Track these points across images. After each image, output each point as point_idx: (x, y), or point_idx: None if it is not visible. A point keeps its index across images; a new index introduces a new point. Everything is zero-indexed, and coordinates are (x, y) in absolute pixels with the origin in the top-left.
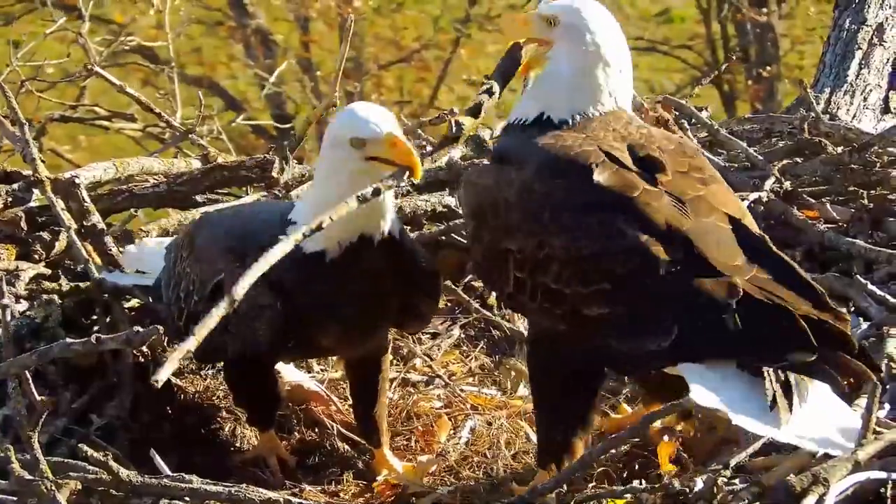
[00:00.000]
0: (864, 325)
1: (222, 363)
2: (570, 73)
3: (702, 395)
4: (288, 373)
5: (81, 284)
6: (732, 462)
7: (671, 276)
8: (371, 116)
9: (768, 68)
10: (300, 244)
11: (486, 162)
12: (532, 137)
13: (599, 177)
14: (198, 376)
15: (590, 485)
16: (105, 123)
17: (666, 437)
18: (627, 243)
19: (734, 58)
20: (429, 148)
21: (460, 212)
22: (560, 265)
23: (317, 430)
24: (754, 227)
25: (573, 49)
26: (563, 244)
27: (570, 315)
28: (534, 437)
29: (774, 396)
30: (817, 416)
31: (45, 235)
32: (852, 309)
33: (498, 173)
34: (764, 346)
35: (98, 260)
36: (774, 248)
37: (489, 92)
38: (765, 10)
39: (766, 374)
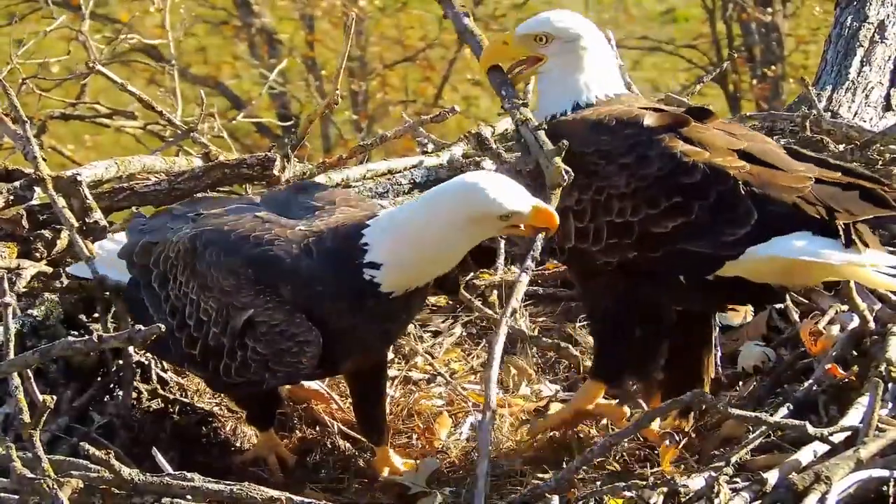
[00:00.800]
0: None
1: None
2: (581, 69)
3: (783, 248)
4: None
5: (83, 282)
6: (733, 459)
7: (741, 174)
8: (516, 189)
9: (773, 68)
10: (367, 273)
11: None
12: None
13: (649, 120)
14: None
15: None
16: (106, 121)
17: (667, 442)
18: (692, 159)
19: (736, 55)
20: (430, 146)
21: None
22: (621, 200)
23: (317, 428)
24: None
25: (571, 58)
26: (626, 180)
27: (638, 240)
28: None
29: (848, 234)
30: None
31: (47, 234)
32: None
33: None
34: (838, 213)
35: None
36: (831, 160)
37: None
38: (769, 9)
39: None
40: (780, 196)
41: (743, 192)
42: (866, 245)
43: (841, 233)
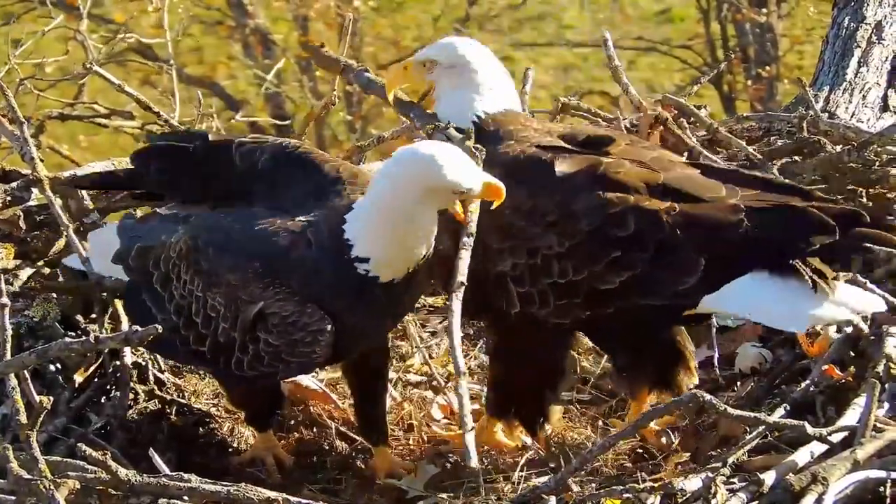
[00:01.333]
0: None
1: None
2: (464, 89)
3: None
4: None
5: (80, 283)
6: (730, 460)
7: (673, 218)
8: (469, 165)
9: (767, 68)
10: (361, 268)
11: None
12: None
13: (561, 167)
14: (196, 376)
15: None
16: (104, 121)
17: (664, 440)
18: (620, 207)
19: (733, 56)
20: None
21: None
22: (560, 259)
23: (315, 429)
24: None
25: (452, 80)
26: (557, 239)
27: (587, 299)
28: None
29: (813, 279)
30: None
31: (44, 234)
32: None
33: None
34: (786, 244)
35: None
36: (745, 171)
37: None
38: (764, 10)
39: (797, 266)
40: (722, 236)
41: (681, 238)
42: (824, 278)
43: (807, 279)
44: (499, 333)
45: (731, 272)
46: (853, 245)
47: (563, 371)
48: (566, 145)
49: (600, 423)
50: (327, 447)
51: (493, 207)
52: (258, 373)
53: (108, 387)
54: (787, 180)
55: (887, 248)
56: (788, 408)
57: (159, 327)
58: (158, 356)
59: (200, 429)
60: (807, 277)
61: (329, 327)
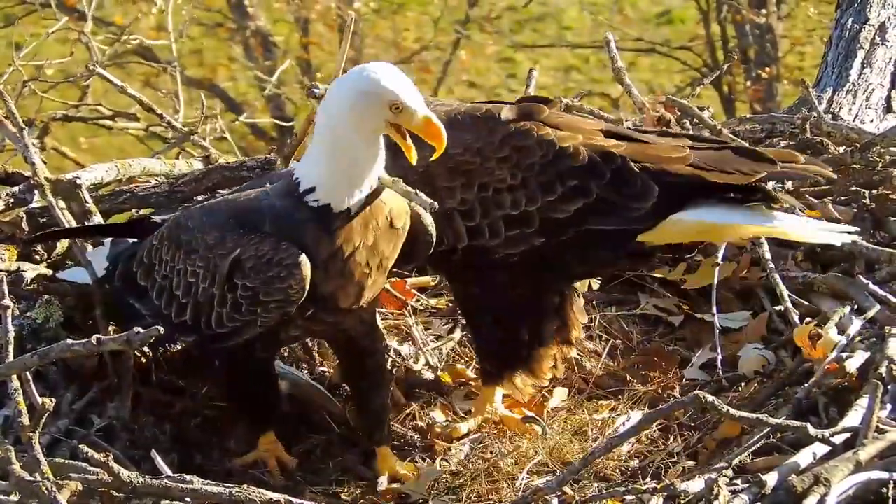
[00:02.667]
0: (866, 325)
1: (218, 362)
2: None
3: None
4: (280, 368)
5: (82, 286)
6: (735, 461)
7: (624, 151)
8: (410, 86)
9: (767, 69)
10: (311, 200)
11: None
12: None
13: (506, 113)
14: (198, 376)
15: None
16: (108, 123)
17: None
18: (571, 143)
19: (735, 58)
20: None
21: None
22: (512, 192)
23: (316, 431)
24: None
25: None
26: (509, 172)
27: (541, 227)
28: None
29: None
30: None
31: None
32: (854, 308)
33: (394, 159)
34: (731, 174)
35: None
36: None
37: None
38: (764, 11)
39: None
40: (674, 167)
41: (635, 167)
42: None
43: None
44: (456, 283)
45: (683, 200)
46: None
47: (536, 307)
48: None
49: (601, 423)
50: (329, 449)
51: (433, 157)
52: (239, 323)
53: (111, 388)
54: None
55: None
56: (792, 409)
57: (161, 328)
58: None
59: (203, 430)
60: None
61: (303, 259)
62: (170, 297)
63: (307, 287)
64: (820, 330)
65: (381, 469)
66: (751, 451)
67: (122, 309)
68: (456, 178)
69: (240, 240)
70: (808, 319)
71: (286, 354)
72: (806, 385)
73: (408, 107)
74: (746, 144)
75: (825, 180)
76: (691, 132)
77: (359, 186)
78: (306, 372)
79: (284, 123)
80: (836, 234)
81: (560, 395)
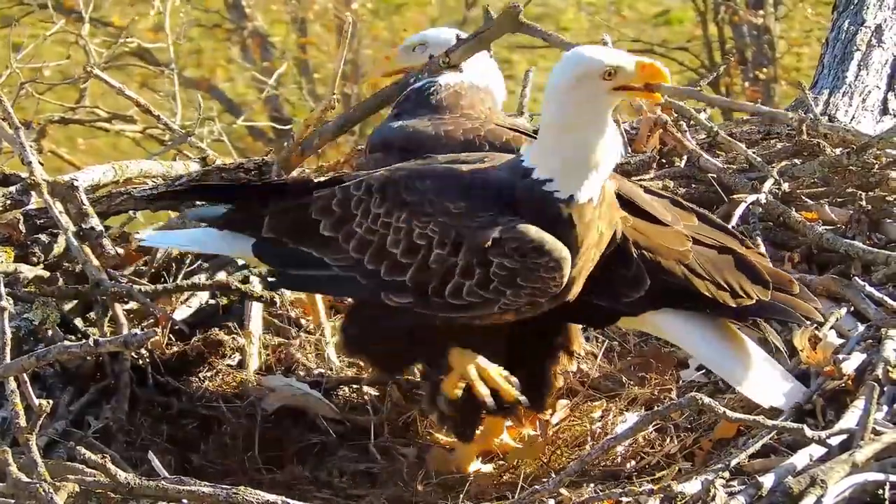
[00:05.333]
0: (862, 327)
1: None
2: None
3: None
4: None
5: (80, 287)
6: (733, 463)
7: (628, 229)
8: (613, 49)
9: (765, 70)
10: (553, 190)
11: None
12: (408, 121)
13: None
14: (195, 378)
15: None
16: (106, 125)
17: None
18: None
19: (731, 59)
20: None
21: None
22: None
23: (312, 430)
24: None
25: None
26: None
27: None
28: None
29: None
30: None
31: (44, 238)
32: (851, 309)
33: (403, 158)
34: (726, 290)
35: (96, 262)
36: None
37: None
38: (762, 12)
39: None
40: (670, 265)
41: (634, 252)
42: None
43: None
44: None
45: (668, 300)
46: (774, 309)
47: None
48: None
49: (598, 424)
50: (325, 449)
51: (656, 92)
52: (479, 299)
53: (108, 390)
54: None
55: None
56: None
57: (157, 331)
58: (158, 359)
59: (201, 431)
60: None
61: (568, 255)
62: (378, 253)
63: (566, 283)
64: (818, 333)
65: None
66: (747, 452)
67: (270, 258)
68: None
69: (498, 217)
70: (808, 321)
71: (282, 357)
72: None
73: (619, 66)
74: (760, 245)
75: (821, 181)
76: (700, 211)
77: (599, 176)
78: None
79: (282, 127)
80: (781, 398)
81: (561, 408)
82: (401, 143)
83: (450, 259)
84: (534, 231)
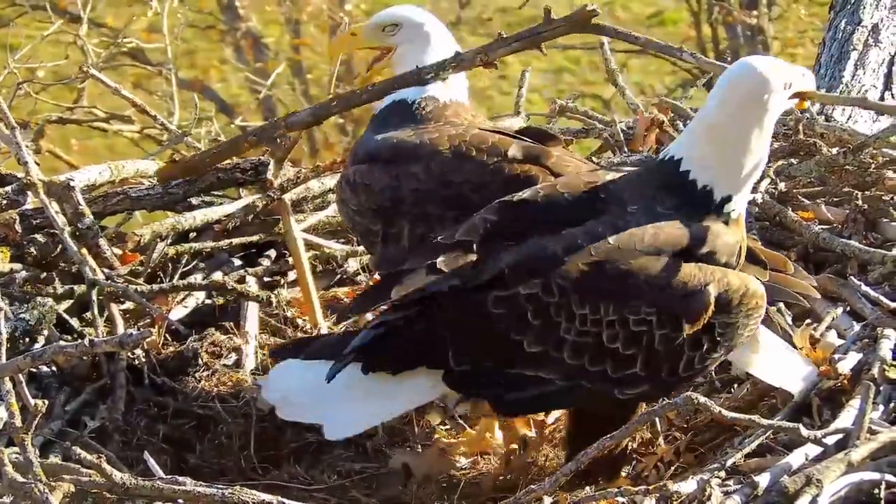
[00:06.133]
0: (858, 327)
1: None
2: (429, 52)
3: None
4: None
5: (76, 287)
6: (729, 462)
7: None
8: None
9: None
10: (729, 210)
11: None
12: (392, 132)
13: (515, 152)
14: (191, 378)
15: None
16: (103, 125)
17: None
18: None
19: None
20: None
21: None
22: None
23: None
24: None
25: (420, 42)
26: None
27: None
28: None
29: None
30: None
31: (40, 238)
32: (847, 309)
33: (388, 171)
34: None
35: (92, 262)
36: None
37: None
38: (755, 12)
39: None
40: None
41: None
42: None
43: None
44: None
45: None
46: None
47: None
48: (503, 131)
49: None
50: (321, 448)
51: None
52: (706, 365)
53: (104, 390)
54: None
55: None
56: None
57: (153, 330)
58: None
59: (197, 431)
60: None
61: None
62: (599, 353)
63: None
64: (815, 333)
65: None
66: (745, 453)
67: (474, 390)
68: (450, 209)
69: (700, 276)
70: (807, 321)
71: None
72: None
73: (794, 78)
74: (753, 237)
75: (818, 181)
76: None
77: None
78: None
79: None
80: (797, 382)
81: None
82: (386, 155)
83: (674, 335)
84: (731, 275)
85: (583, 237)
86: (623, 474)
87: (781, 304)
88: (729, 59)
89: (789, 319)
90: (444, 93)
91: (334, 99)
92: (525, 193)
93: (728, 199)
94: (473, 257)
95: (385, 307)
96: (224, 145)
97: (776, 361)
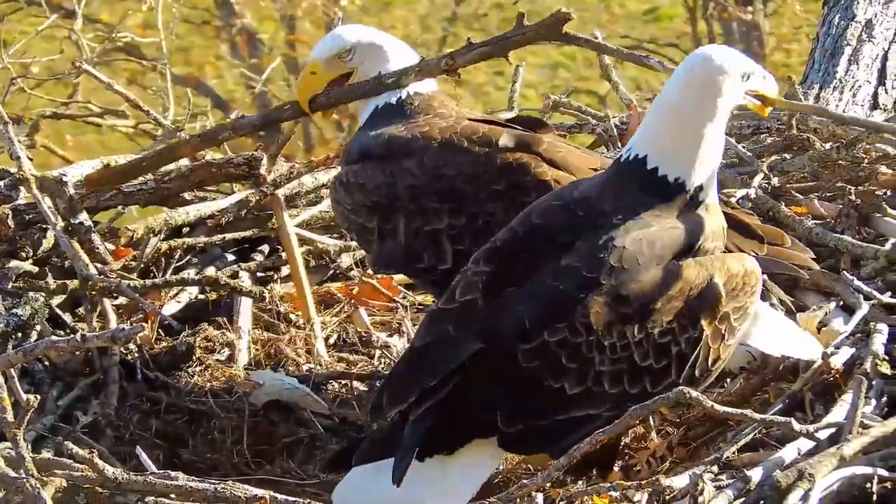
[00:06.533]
0: (852, 321)
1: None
2: (389, 64)
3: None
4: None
5: (69, 282)
6: (723, 456)
7: None
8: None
9: None
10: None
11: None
12: (383, 129)
13: (504, 140)
14: (184, 373)
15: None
16: (97, 120)
17: None
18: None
19: None
20: None
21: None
22: (504, 225)
23: (301, 424)
24: None
25: (377, 58)
26: (503, 207)
27: None
28: None
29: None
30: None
31: (33, 233)
32: (840, 304)
33: (382, 168)
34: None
35: (85, 257)
36: None
37: None
38: (751, 8)
39: None
40: None
41: None
42: None
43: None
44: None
45: None
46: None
47: None
48: (490, 119)
49: None
50: (314, 444)
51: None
52: (727, 356)
53: (97, 385)
54: None
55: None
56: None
57: (146, 325)
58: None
59: (189, 426)
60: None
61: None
62: (635, 374)
63: None
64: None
65: None
66: (736, 447)
67: (532, 447)
68: (445, 201)
69: (704, 266)
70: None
71: (271, 352)
72: (794, 385)
73: (754, 72)
74: (749, 213)
75: (811, 176)
76: None
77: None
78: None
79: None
80: (806, 349)
81: None
82: (380, 152)
83: (697, 335)
84: (733, 263)
85: (586, 265)
86: (615, 469)
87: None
88: None
89: (785, 297)
90: (426, 85)
91: (287, 104)
92: (502, 234)
93: (700, 188)
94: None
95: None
96: (162, 150)
97: (778, 332)
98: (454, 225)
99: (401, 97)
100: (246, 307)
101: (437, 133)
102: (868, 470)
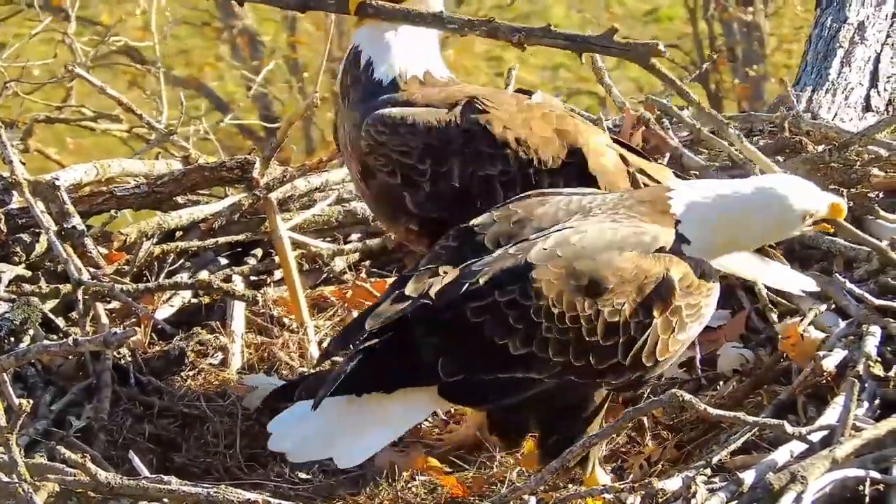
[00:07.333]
0: (844, 324)
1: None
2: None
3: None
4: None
5: (62, 286)
6: (714, 460)
7: None
8: (814, 190)
9: (755, 67)
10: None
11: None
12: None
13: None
14: (177, 377)
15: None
16: (91, 124)
17: None
18: None
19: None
20: None
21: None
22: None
23: None
24: None
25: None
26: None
27: None
28: None
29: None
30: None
31: (25, 237)
32: (832, 307)
33: (428, 111)
34: None
35: (78, 261)
36: None
37: None
38: (751, 8)
39: None
40: None
41: None
42: None
43: None
44: None
45: None
46: None
47: None
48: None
49: None
50: None
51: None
52: (678, 347)
53: (90, 389)
54: None
55: None
56: (770, 408)
57: (138, 329)
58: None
59: (182, 430)
60: None
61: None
62: (581, 348)
63: None
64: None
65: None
66: (731, 450)
67: (469, 398)
68: (499, 147)
69: (661, 261)
70: (795, 318)
71: (264, 356)
72: (788, 386)
73: (818, 211)
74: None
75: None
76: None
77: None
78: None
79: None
80: (807, 283)
81: None
82: (419, 100)
83: (647, 321)
84: (690, 261)
85: (549, 242)
86: (596, 464)
87: None
88: (721, 52)
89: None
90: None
91: None
92: (480, 219)
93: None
94: (441, 278)
95: (364, 337)
96: None
97: (781, 272)
98: (506, 171)
99: (394, 76)
100: (239, 311)
101: (471, 90)
102: (860, 472)
